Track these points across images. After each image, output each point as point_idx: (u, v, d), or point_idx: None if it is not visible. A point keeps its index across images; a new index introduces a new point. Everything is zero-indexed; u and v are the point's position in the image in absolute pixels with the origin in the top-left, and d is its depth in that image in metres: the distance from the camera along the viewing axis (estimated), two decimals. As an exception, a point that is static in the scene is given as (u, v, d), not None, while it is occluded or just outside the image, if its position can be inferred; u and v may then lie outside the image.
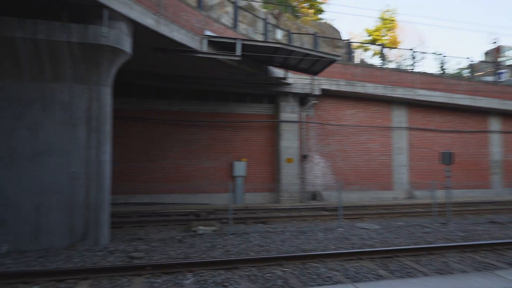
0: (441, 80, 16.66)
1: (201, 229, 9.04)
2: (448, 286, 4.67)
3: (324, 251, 7.19)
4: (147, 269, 5.82)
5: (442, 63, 24.12)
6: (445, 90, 16.33)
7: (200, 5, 11.15)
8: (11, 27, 6.91)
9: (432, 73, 17.38)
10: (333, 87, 14.93)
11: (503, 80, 20.52)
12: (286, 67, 12.82)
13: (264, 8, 21.03)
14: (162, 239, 8.22)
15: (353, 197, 15.13)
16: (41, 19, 7.04)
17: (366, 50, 32.72)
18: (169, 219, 10.52)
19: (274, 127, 14.90)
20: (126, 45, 7.86)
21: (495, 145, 17.86)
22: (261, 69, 12.50)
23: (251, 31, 17.71)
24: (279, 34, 17.34)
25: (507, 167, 17.84)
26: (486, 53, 34.64)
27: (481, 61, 29.01)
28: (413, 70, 17.60)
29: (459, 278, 5.20)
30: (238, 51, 10.28)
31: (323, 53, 11.39)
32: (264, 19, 15.98)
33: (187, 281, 5.47)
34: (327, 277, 5.69)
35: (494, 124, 17.93)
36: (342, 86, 15.07)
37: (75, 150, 7.52)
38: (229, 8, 17.04)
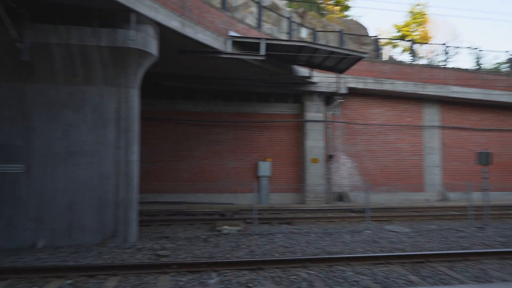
0: (476, 75, 15.75)
1: (226, 228, 9.09)
2: (486, 295, 4.36)
3: (351, 254, 6.99)
4: (173, 267, 5.90)
5: (477, 58, 22.76)
6: (482, 86, 15.41)
7: (224, 6, 11.23)
8: (46, 33, 7.28)
9: (467, 69, 16.48)
10: (360, 85, 14.53)
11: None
12: (311, 65, 12.63)
13: (289, 7, 20.87)
14: (188, 238, 8.34)
15: (381, 198, 14.64)
16: (73, 25, 7.35)
17: (395, 46, 31.63)
18: (195, 218, 10.66)
19: (299, 126, 14.73)
20: (153, 47, 8.05)
21: (538, 145, 16.63)
22: (286, 68, 12.39)
23: (276, 31, 17.63)
24: (304, 33, 17.13)
25: (552, 168, 16.55)
26: (528, 46, 32.36)
27: (522, 55, 27.13)
28: (446, 66, 16.77)
29: (500, 287, 4.85)
30: (262, 50, 10.24)
31: (349, 51, 11.11)
32: (289, 18, 15.84)
33: (212, 281, 5.50)
34: (354, 281, 5.51)
35: (537, 121, 16.71)
36: (370, 84, 14.63)
37: (105, 150, 7.80)
38: (253, 8, 17.06)
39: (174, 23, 8.40)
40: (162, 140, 13.80)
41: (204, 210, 12.02)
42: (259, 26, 13.19)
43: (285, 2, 20.35)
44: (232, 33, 10.37)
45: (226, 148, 14.24)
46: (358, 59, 11.17)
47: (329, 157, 14.59)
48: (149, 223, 9.97)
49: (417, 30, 32.55)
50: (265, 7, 15.49)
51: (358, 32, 22.35)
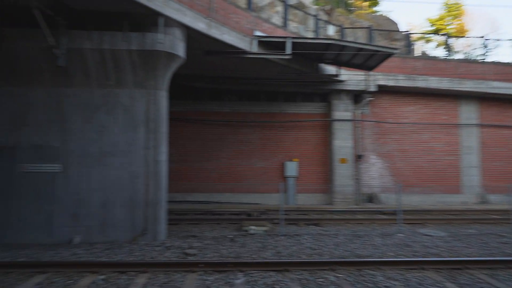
0: (520, 69, 14.66)
1: (253, 229, 9.08)
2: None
3: (382, 257, 6.72)
4: (200, 266, 5.96)
5: (520, 51, 21.19)
6: (526, 80, 14.33)
7: (250, 6, 11.25)
8: (80, 39, 7.64)
9: (508, 63, 15.38)
10: (391, 83, 14.00)
11: None
12: (339, 63, 12.33)
13: (316, 4, 20.56)
14: (215, 237, 8.42)
15: (414, 200, 14.01)
16: (105, 30, 7.66)
17: (428, 41, 30.21)
18: (222, 218, 10.75)
19: (326, 126, 14.45)
20: (180, 49, 8.21)
21: None
22: (312, 67, 12.19)
23: (302, 29, 17.42)
24: (331, 30, 16.79)
25: None
26: None
27: None
28: (485, 60, 15.76)
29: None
30: (288, 49, 10.14)
31: (378, 47, 10.72)
32: (315, 16, 15.60)
33: (238, 281, 5.49)
34: (385, 286, 5.29)
35: None
36: (401, 81, 14.06)
37: (136, 151, 8.05)
38: (279, 8, 16.97)
39: (200, 24, 8.51)
40: (190, 141, 14.06)
41: (231, 209, 12.10)
42: (285, 25, 13.08)
43: (311, 0, 20.07)
44: (258, 33, 10.35)
45: (253, 148, 14.26)
46: (388, 55, 10.76)
47: (358, 157, 14.18)
48: (178, 222, 10.17)
49: (452, 23, 30.90)
50: (291, 6, 15.35)
51: (388, 28, 21.58)
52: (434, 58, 16.01)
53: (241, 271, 5.87)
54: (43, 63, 7.77)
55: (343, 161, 13.97)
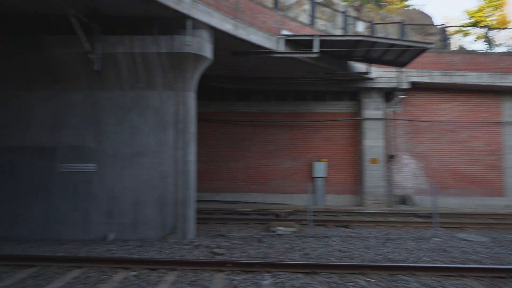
0: None
1: (280, 229, 9.00)
2: None
3: (417, 262, 6.40)
4: (228, 266, 5.99)
5: None
6: None
7: (277, 6, 11.18)
8: (113, 44, 7.95)
9: (558, 54, 14.15)
10: (425, 79, 13.35)
11: None
12: (369, 60, 11.95)
13: (344, 1, 20.08)
14: (243, 237, 8.43)
15: (451, 202, 13.27)
16: (136, 34, 7.92)
17: (466, 35, 28.52)
18: (249, 218, 10.76)
19: (356, 125, 14.05)
20: (207, 51, 8.31)
21: None
22: (341, 65, 11.90)
23: (330, 27, 17.08)
24: (361, 27, 16.31)
25: None
26: None
27: None
28: (531, 53, 14.60)
29: None
30: (316, 47, 9.96)
31: (411, 42, 10.25)
32: (344, 12, 15.22)
33: (265, 282, 5.45)
34: (420, 293, 5.02)
35: None
36: (436, 77, 13.36)
37: (165, 151, 8.25)
38: (307, 6, 16.75)
39: (227, 26, 8.57)
40: (217, 141, 14.23)
41: (258, 210, 12.09)
42: (312, 23, 12.88)
43: (340, -4, 19.61)
44: (285, 32, 10.26)
45: (280, 148, 14.17)
46: (422, 50, 10.26)
47: (390, 157, 13.66)
48: (206, 221, 10.31)
49: (493, 14, 28.96)
50: (318, 3, 15.10)
51: (422, 22, 20.62)
52: (473, 52, 15.07)
53: (269, 272, 5.82)
54: (79, 68, 8.17)
55: (374, 161, 13.51)
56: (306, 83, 13.18)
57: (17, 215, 8.30)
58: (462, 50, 17.51)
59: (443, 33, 16.78)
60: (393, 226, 10.06)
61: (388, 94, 13.75)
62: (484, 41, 23.27)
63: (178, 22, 7.82)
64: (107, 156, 8.29)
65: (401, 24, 15.21)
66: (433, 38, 18.60)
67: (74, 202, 8.25)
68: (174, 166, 8.22)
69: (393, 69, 12.83)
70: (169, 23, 7.88)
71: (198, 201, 10.04)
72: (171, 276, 5.71)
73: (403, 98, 13.68)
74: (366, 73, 12.73)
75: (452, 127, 13.89)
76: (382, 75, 13.19)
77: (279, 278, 5.60)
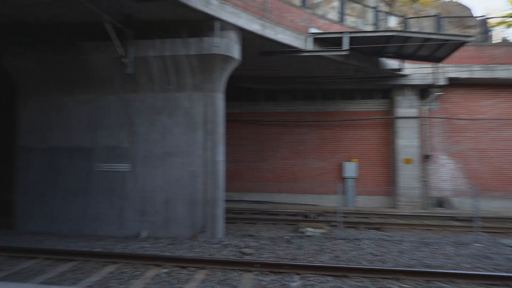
0: None
1: (310, 230, 8.87)
2: None
3: (456, 269, 6.04)
4: (256, 266, 5.98)
5: None
6: None
7: (305, 4, 11.04)
8: (145, 48, 8.23)
9: None
10: (464, 75, 12.59)
11: None
12: (402, 56, 11.46)
13: (375, -4, 19.42)
14: (271, 238, 8.39)
15: (494, 206, 12.39)
16: (166, 38, 8.13)
17: (509, 26, 26.58)
18: (278, 219, 10.71)
19: (388, 124, 13.54)
20: (235, 52, 8.36)
21: None
22: (372, 62, 11.53)
23: (360, 23, 16.60)
24: (393, 22, 15.72)
25: None
26: None
27: None
28: None
29: None
30: (345, 45, 9.71)
31: (448, 35, 9.71)
32: (375, 8, 14.74)
33: (294, 284, 5.38)
34: (460, 301, 4.72)
35: None
36: (477, 72, 12.55)
37: (195, 151, 8.41)
38: (336, 3, 16.38)
39: (255, 26, 8.58)
40: (246, 141, 14.30)
41: (287, 210, 12.00)
42: (341, 20, 12.58)
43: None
44: (313, 30, 10.10)
45: (309, 148, 13.98)
46: (461, 44, 9.68)
47: (426, 157, 13.02)
48: (235, 221, 10.38)
49: (541, 3, 26.74)
50: (348, 0, 14.72)
51: (460, 14, 19.49)
52: (518, 44, 14.00)
53: (298, 274, 5.75)
54: (114, 72, 8.54)
55: (408, 161, 12.95)
56: (335, 81, 12.89)
57: (58, 212, 8.83)
58: (505, 43, 16.32)
59: (483, 25, 15.74)
60: (429, 229, 9.58)
61: (423, 91, 13.12)
62: (531, 32, 21.55)
63: (206, 24, 7.93)
64: (140, 156, 8.59)
65: (437, 17, 14.46)
66: (472, 31, 17.51)
67: (110, 200, 8.63)
68: (203, 166, 8.35)
69: (428, 64, 12.23)
70: (198, 25, 8.02)
71: (227, 200, 10.11)
72: (200, 275, 5.79)
73: (439, 95, 12.99)
74: (399, 69, 12.23)
75: (495, 125, 12.98)
76: (416, 71, 12.61)
77: (308, 280, 5.51)
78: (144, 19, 8.07)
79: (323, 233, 8.81)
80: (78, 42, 8.47)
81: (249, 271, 5.90)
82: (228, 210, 10.70)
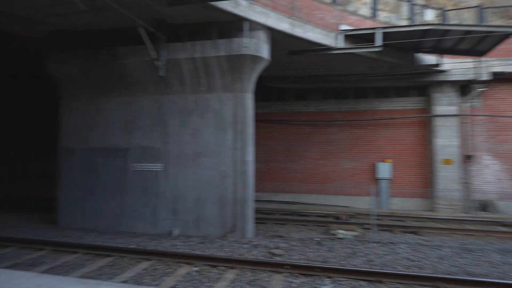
0: None
1: (341, 233, 8.63)
2: None
3: (504, 279, 5.59)
4: (286, 268, 5.90)
5: None
6: None
7: (335, 1, 10.77)
8: (176, 51, 8.43)
9: None
10: (510, 69, 11.68)
11: None
12: (440, 51, 10.85)
13: (410, -11, 18.58)
14: (301, 239, 8.27)
15: (547, 210, 11.38)
16: (196, 40, 8.28)
17: None
18: (308, 220, 10.54)
19: (425, 123, 12.88)
20: (264, 51, 8.34)
21: None
22: (407, 58, 11.01)
23: (394, 18, 15.95)
24: (430, 15, 14.94)
25: None
26: None
27: None
28: None
29: None
30: (378, 41, 9.36)
31: (491, 27, 9.05)
32: (409, 1, 14.08)
33: (325, 287, 5.24)
34: (509, 313, 4.35)
35: None
36: (525, 65, 11.60)
37: (224, 151, 8.48)
38: (368, -2, 15.86)
39: (284, 25, 8.50)
40: (275, 141, 14.24)
41: (317, 211, 11.77)
42: (374, 15, 12.15)
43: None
44: (344, 27, 9.83)
45: (340, 148, 13.65)
46: (506, 36, 8.97)
47: (467, 158, 12.23)
48: (264, 221, 10.35)
49: None
50: (381, -6, 14.19)
51: (505, 4, 18.12)
52: None
53: (329, 277, 5.60)
54: (147, 75, 8.83)
55: (447, 162, 12.24)
56: (367, 79, 12.48)
57: (97, 209, 9.28)
58: (559, 33, 14.94)
59: (533, 15, 14.51)
60: (471, 235, 8.98)
61: (464, 87, 12.34)
62: None
63: (235, 25, 7.98)
64: (172, 156, 8.81)
65: (479, 8, 13.54)
66: (520, 21, 16.21)
67: (144, 199, 8.93)
68: (233, 166, 8.40)
69: (469, 59, 11.49)
70: (227, 26, 8.09)
71: (257, 201, 10.15)
72: (230, 274, 5.82)
73: (482, 91, 12.16)
74: (437, 65, 11.59)
75: (547, 122, 11.93)
76: (456, 66, 11.89)
77: (340, 284, 5.35)
78: (175, 22, 8.28)
79: (355, 236, 8.54)
80: (114, 47, 8.86)
81: (279, 273, 5.84)
82: (257, 211, 10.70)
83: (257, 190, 10.28)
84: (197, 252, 7.02)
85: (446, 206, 12.02)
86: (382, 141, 13.28)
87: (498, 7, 17.50)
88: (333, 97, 13.81)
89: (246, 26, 7.92)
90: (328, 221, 10.31)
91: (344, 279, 5.52)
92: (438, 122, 12.44)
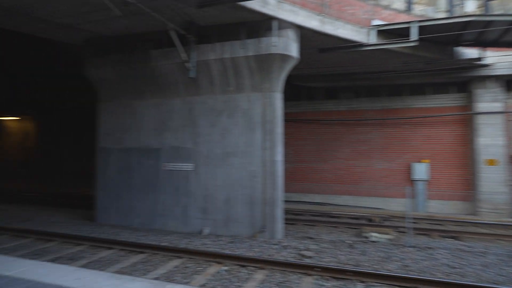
0: None
1: (374, 236, 8.32)
2: None
3: (557, 290, 5.09)
4: (316, 270, 5.77)
5: None
6: None
7: (367, -5, 10.40)
8: (206, 52, 8.54)
9: None
10: None
11: None
12: (482, 44, 10.15)
13: (448, -20, 17.57)
14: (332, 241, 8.06)
15: None
16: (225, 40, 8.34)
17: None
18: (339, 221, 10.27)
19: (466, 121, 12.11)
20: (293, 50, 8.23)
21: None
22: (445, 52, 10.40)
23: (431, 11, 15.14)
24: (470, 6, 14.02)
25: None
26: None
27: None
28: None
29: None
30: (414, 35, 8.92)
31: (544, 15, 8.30)
32: (448, -8, 13.30)
33: (358, 292, 5.05)
34: None
35: None
36: None
37: (253, 151, 8.46)
38: (402, -9, 15.20)
39: (313, 22, 8.34)
40: (305, 141, 14.03)
41: (349, 213, 11.45)
42: (408, 9, 11.62)
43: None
44: (377, 22, 9.48)
45: (373, 148, 13.18)
46: (560, 24, 8.21)
47: (514, 158, 11.35)
48: (294, 222, 10.22)
49: None
50: (416, -13, 13.52)
51: (558, -10, 16.60)
52: None
53: (362, 282, 5.40)
54: (178, 76, 9.03)
55: (491, 162, 11.42)
56: (401, 76, 11.95)
57: (131, 207, 9.63)
58: None
59: None
60: (520, 241, 8.30)
61: (510, 82, 11.46)
62: None
63: (264, 24, 7.95)
64: (202, 156, 8.94)
65: (527, -4, 12.50)
66: None
67: (175, 198, 9.14)
68: (262, 166, 8.37)
69: (516, 51, 10.65)
70: (256, 26, 8.08)
71: (286, 201, 10.04)
72: (259, 275, 5.78)
73: (531, 85, 11.23)
74: (479, 59, 10.85)
75: None
76: (501, 60, 11.06)
77: (373, 289, 5.14)
78: (204, 23, 8.40)
79: (389, 239, 8.19)
80: (147, 50, 9.15)
81: (309, 275, 5.71)
82: (287, 211, 10.59)
83: (287, 190, 10.17)
84: (227, 252, 7.05)
85: (490, 210, 11.22)
86: (418, 140, 12.65)
87: (549, -6, 16.09)
88: (364, 95, 13.38)
89: (274, 25, 7.86)
90: (360, 223, 9.98)
91: (378, 284, 5.30)
92: (481, 120, 11.64)
